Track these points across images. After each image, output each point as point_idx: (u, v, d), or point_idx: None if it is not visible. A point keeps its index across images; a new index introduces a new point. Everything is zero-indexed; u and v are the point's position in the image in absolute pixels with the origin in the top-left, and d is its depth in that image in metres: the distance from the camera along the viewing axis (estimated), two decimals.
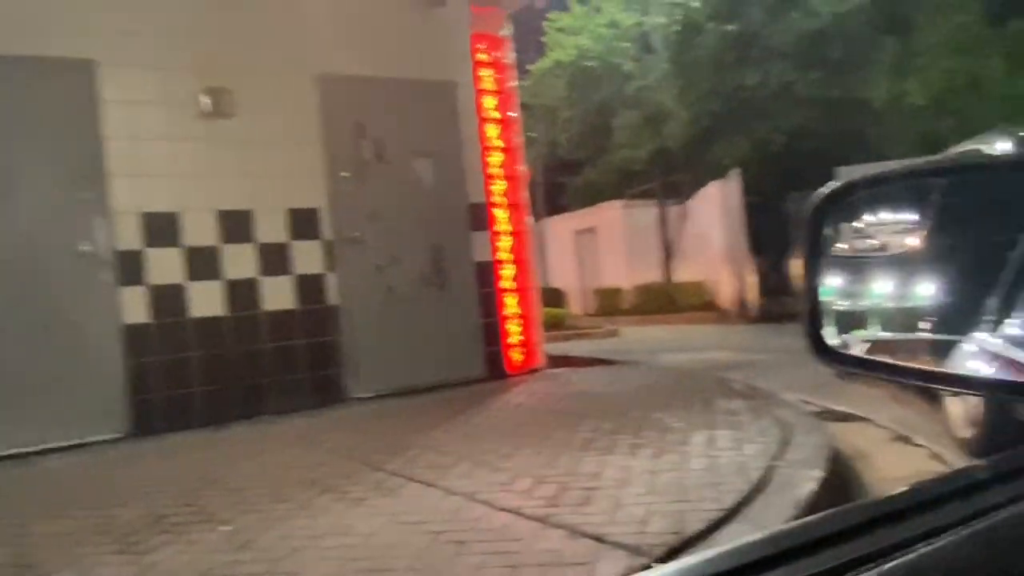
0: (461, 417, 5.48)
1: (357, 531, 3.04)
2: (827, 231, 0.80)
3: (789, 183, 14.37)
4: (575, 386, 6.61)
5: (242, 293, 6.28)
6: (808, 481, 3.24)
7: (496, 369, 7.19)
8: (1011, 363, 0.79)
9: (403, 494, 3.56)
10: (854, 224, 0.87)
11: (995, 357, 0.80)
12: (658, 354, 9.94)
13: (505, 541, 2.74)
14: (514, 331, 7.32)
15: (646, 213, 20.45)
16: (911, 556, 0.33)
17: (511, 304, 7.33)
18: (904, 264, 0.87)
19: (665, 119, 17.52)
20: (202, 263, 6.15)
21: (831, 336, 0.83)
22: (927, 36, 15.19)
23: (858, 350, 0.89)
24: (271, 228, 6.42)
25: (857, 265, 0.91)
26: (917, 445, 4.56)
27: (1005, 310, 0.78)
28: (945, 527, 0.36)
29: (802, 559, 0.30)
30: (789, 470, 3.46)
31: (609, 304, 19.88)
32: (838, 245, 0.89)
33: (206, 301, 6.14)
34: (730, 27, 15.83)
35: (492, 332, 7.27)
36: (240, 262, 6.29)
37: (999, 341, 0.81)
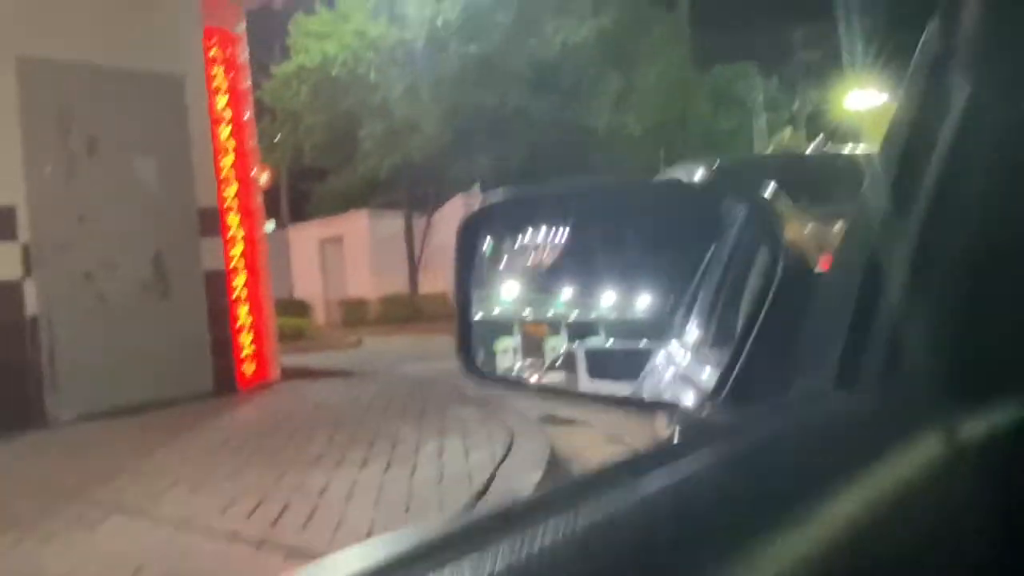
0: (183, 437, 5.10)
1: (45, 574, 2.71)
2: (479, 248, 0.86)
3: None
4: (309, 399, 6.43)
5: None
6: (527, 483, 3.42)
7: (227, 384, 6.79)
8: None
9: (106, 527, 3.23)
10: (516, 245, 0.94)
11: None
12: (399, 364, 10.00)
13: (215, 570, 2.59)
14: (246, 344, 6.97)
15: (393, 223, 20.52)
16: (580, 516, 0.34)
17: (243, 315, 6.98)
18: (546, 280, 0.95)
19: (411, 131, 17.74)
20: None
21: (481, 355, 0.89)
22: (644, 74, 16.86)
23: (514, 376, 0.96)
24: None
25: (511, 281, 0.98)
26: (627, 445, 4.99)
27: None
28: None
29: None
30: (511, 474, 3.64)
31: (354, 315, 19.66)
32: (503, 264, 0.95)
33: None
34: (471, 48, 16.42)
35: (222, 345, 6.86)
36: None
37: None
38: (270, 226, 22.07)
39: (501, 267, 0.94)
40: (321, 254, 21.96)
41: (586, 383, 0.85)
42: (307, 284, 21.37)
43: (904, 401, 0.58)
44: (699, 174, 5.41)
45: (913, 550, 0.47)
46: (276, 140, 20.10)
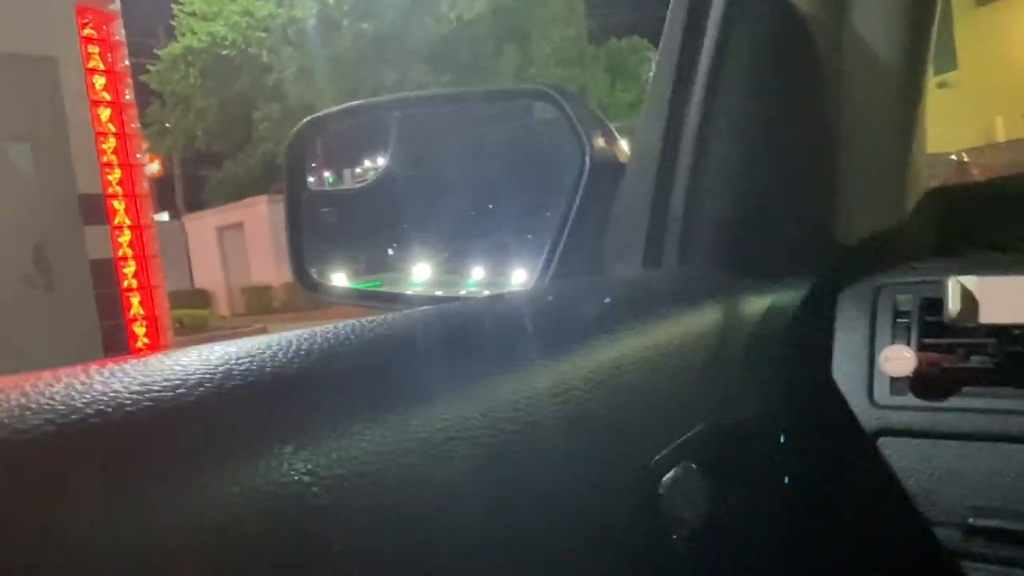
0: None
1: None
2: (308, 163, 0.88)
3: None
4: None
5: None
6: None
7: None
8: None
9: None
10: (356, 170, 0.96)
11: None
12: None
13: None
14: (140, 334, 6.73)
15: None
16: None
17: (135, 305, 6.73)
18: (376, 198, 0.98)
19: (308, 112, 17.33)
20: None
21: (314, 267, 0.91)
22: (540, 47, 16.98)
23: (343, 282, 0.98)
24: None
25: (341, 200, 1.00)
26: None
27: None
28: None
29: None
30: None
31: (259, 303, 19.20)
32: (342, 186, 0.97)
33: None
34: (365, 26, 16.14)
35: (115, 337, 6.59)
36: None
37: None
38: (164, 216, 21.25)
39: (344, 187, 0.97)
40: (220, 242, 21.30)
41: None
42: (208, 273, 20.72)
43: (695, 278, 0.64)
44: None
45: (685, 386, 0.53)
46: (166, 126, 19.35)
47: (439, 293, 0.94)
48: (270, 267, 19.84)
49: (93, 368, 0.29)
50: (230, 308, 19.80)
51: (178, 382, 0.28)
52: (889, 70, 0.64)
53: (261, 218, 20.01)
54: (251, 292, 19.65)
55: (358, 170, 0.96)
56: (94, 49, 6.79)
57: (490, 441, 0.36)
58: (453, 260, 0.94)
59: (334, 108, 0.90)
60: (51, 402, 0.25)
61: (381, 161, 0.96)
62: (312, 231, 0.93)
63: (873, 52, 0.64)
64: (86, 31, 6.79)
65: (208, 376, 0.28)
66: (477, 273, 0.93)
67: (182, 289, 17.69)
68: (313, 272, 0.91)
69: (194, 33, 18.47)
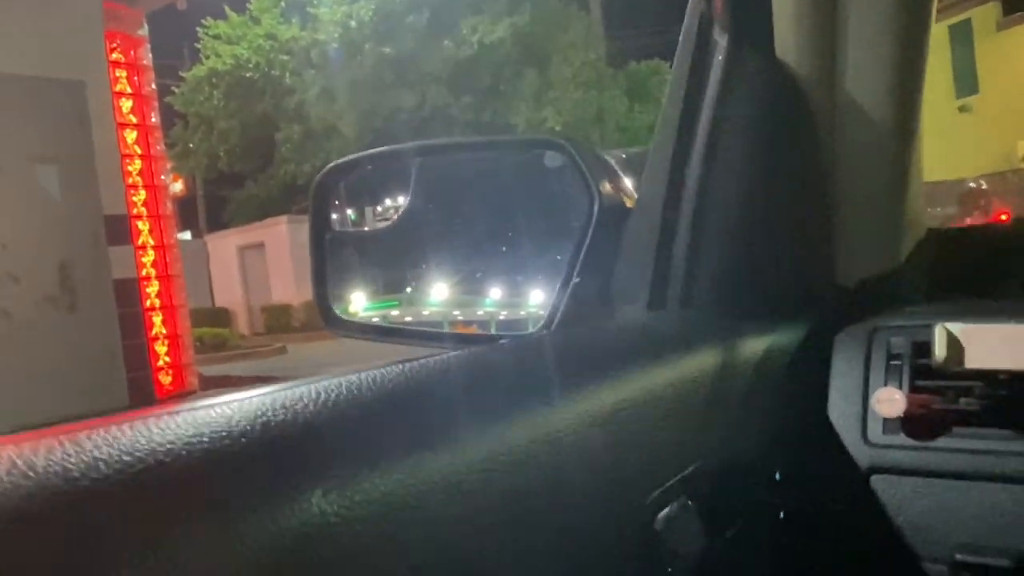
0: None
1: None
2: (332, 208, 0.92)
3: None
4: None
5: None
6: None
7: (143, 396, 6.61)
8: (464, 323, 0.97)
9: None
10: (377, 208, 1.00)
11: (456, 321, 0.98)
12: (322, 370, 9.89)
13: None
14: (162, 353, 6.82)
15: None
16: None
17: (157, 324, 6.82)
18: (397, 238, 1.01)
19: (329, 134, 17.56)
20: None
21: (338, 305, 0.95)
22: (560, 71, 17.12)
23: (370, 319, 1.02)
24: None
25: (363, 241, 1.04)
26: None
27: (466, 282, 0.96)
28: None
29: None
30: None
31: (278, 322, 19.31)
32: (365, 228, 1.01)
33: None
34: (387, 50, 16.35)
35: (137, 355, 6.67)
36: None
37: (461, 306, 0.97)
38: (186, 235, 21.51)
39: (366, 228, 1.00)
40: (242, 261, 21.50)
41: None
42: (228, 292, 20.90)
43: (696, 321, 0.67)
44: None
45: (683, 426, 0.56)
46: (190, 146, 19.63)
47: (456, 313, 0.97)
48: (290, 287, 19.98)
49: (138, 419, 0.32)
50: (250, 327, 19.94)
51: (217, 433, 0.31)
52: (882, 119, 0.67)
53: (282, 238, 20.19)
54: (271, 311, 19.78)
55: (379, 208, 1.00)
56: (121, 73, 6.93)
57: (503, 480, 0.39)
58: (470, 283, 0.98)
59: (356, 154, 0.94)
60: (95, 453, 0.28)
61: (401, 200, 0.99)
62: (336, 271, 0.97)
63: (865, 101, 0.67)
64: (114, 55, 6.94)
65: (244, 427, 0.32)
66: (494, 293, 0.97)
67: (203, 307, 17.86)
68: (338, 311, 0.95)
69: (218, 56, 18.77)
